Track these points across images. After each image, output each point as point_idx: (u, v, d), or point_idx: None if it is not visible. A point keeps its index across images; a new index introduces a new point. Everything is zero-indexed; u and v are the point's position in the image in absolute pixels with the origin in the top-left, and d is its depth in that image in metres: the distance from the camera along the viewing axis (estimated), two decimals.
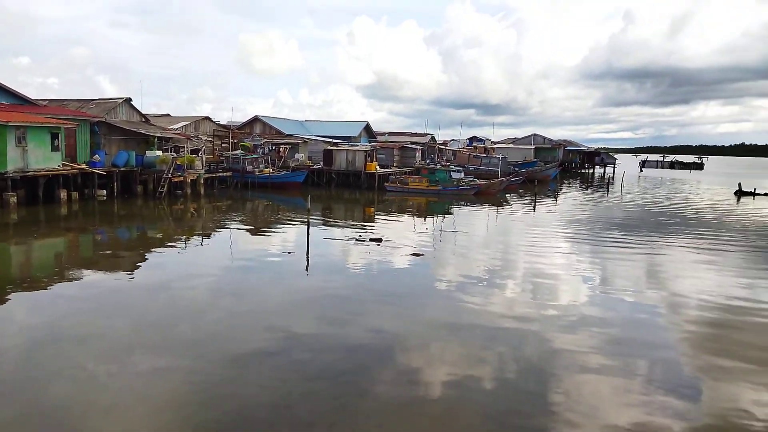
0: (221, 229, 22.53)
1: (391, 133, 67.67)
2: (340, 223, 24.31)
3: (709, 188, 52.24)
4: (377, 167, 41.84)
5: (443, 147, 66.81)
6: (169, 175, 30.66)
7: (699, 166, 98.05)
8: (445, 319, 11.06)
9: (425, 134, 64.44)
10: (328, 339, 9.76)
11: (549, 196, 40.18)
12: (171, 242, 19.39)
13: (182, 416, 6.97)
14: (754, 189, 42.86)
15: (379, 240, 19.02)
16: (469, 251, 18.39)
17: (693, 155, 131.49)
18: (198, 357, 8.76)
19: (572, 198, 40.38)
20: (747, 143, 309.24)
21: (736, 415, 7.37)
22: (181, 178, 31.54)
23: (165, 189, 30.11)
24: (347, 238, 19.56)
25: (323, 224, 23.58)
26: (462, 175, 39.47)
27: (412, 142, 55.40)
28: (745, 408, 7.58)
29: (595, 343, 9.89)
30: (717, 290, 13.83)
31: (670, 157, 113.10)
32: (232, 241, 19.96)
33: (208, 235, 20.96)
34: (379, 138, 61.39)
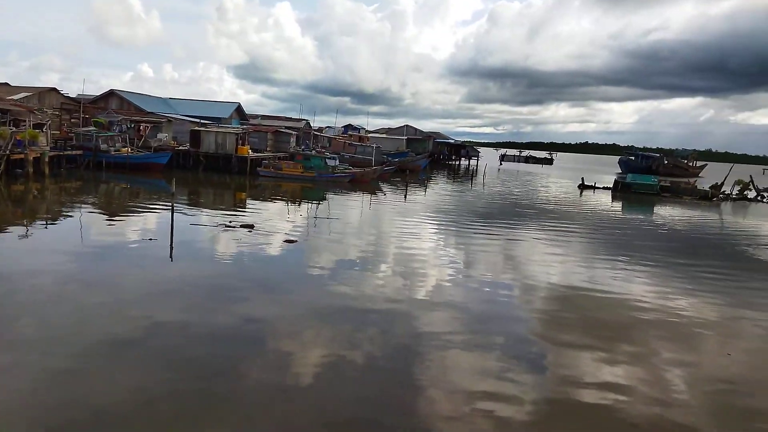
0: (70, 214, 20.25)
1: (264, 117, 65.73)
2: (209, 209, 23.12)
3: (557, 182, 58.03)
4: (249, 151, 40.41)
5: (318, 134, 66.43)
6: (7, 152, 26.90)
7: (549, 161, 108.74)
8: (318, 304, 11.04)
9: (300, 120, 63.57)
10: (193, 328, 9.25)
11: (419, 186, 41.87)
12: (9, 227, 17.02)
13: (30, 419, 6.18)
14: (594, 183, 48.43)
15: (251, 226, 18.42)
16: (343, 238, 18.54)
17: (545, 151, 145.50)
18: (45, 354, 7.82)
19: (440, 188, 42.51)
20: (590, 142, 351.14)
21: (575, 381, 8.30)
22: (22, 156, 27.82)
23: (2, 167, 26.36)
24: (216, 224, 18.67)
25: (190, 209, 22.25)
26: (337, 162, 39.60)
27: (287, 127, 54.35)
28: (582, 375, 8.57)
29: (458, 323, 10.55)
30: (562, 273, 15.42)
31: (526, 153, 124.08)
32: (83, 226, 18.04)
33: (55, 220, 18.73)
34: (252, 121, 59.36)
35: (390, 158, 53.76)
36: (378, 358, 8.66)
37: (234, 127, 46.80)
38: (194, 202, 25.20)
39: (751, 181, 48.71)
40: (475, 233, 21.27)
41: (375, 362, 8.50)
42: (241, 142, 39.89)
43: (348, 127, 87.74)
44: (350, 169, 40.15)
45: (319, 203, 27.69)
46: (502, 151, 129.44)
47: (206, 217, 20.52)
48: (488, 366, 8.63)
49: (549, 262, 16.80)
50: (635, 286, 14.46)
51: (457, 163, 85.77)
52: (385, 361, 8.58)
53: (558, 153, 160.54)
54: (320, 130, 73.84)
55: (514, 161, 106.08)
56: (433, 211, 27.22)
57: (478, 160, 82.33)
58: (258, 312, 10.32)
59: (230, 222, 19.17)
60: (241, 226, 18.42)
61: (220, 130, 41.56)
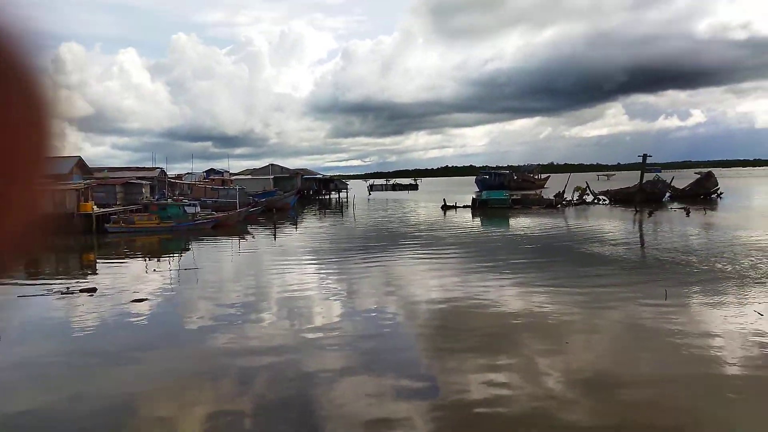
0: None
1: (112, 169, 60.60)
2: (47, 276, 20.17)
3: (423, 205, 60.47)
4: (94, 207, 36.61)
5: (176, 181, 62.69)
6: None
7: (414, 187, 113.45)
8: (193, 366, 9.84)
9: (154, 168, 59.49)
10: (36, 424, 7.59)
11: (290, 223, 40.94)
12: None
13: None
14: (456, 203, 51.12)
15: (93, 290, 16.25)
16: (214, 287, 17.15)
17: (410, 178, 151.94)
18: None
19: (312, 223, 41.97)
20: (450, 165, 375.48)
21: (463, 390, 8.20)
22: None
23: None
24: (50, 292, 16.22)
25: (21, 280, 19.21)
26: (198, 208, 37.36)
27: (138, 177, 50.48)
28: (469, 383, 8.46)
29: (348, 354, 10.10)
30: (440, 289, 15.63)
31: (392, 181, 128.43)
32: None
33: None
34: (98, 175, 54.26)
35: (256, 199, 52.18)
36: (270, 406, 7.86)
37: (75, 183, 42.22)
38: (30, 273, 21.90)
39: (587, 186, 54.76)
40: (353, 263, 20.97)
41: (268, 411, 7.75)
42: (83, 198, 36.02)
43: (210, 172, 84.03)
44: (213, 214, 38.09)
45: (181, 254, 25.64)
46: (371, 181, 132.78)
47: (40, 286, 17.81)
48: (383, 391, 8.44)
49: (426, 281, 17.01)
50: (505, 291, 15.17)
51: (327, 197, 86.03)
52: (278, 407, 7.91)
53: (422, 178, 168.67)
54: (180, 177, 69.77)
55: (382, 190, 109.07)
56: (308, 248, 26.52)
57: (347, 192, 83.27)
58: (115, 389, 8.83)
59: (68, 288, 16.78)
60: (81, 291, 16.19)
61: (57, 188, 37.20)
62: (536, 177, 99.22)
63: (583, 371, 9.21)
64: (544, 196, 52.48)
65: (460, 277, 17.59)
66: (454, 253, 23.34)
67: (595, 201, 52.28)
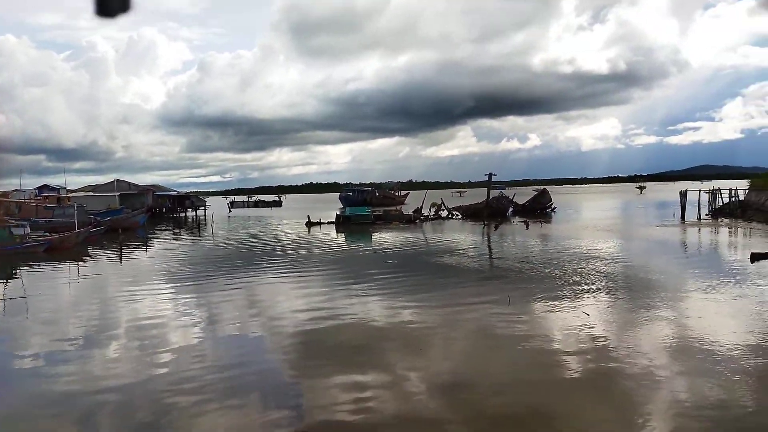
0: None
1: None
2: None
3: (288, 222, 59.74)
4: None
5: (1, 199, 54.68)
6: None
7: (278, 204, 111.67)
8: (27, 410, 8.64)
9: None
10: None
11: (140, 244, 37.87)
12: None
13: None
14: (320, 219, 51.34)
15: None
16: (49, 319, 15.21)
17: (273, 194, 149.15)
18: None
19: (165, 243, 39.22)
20: (314, 182, 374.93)
21: (330, 406, 8.23)
22: None
23: None
24: None
25: None
26: (28, 230, 32.98)
27: None
28: (335, 399, 8.52)
29: (209, 383, 9.53)
30: (306, 307, 15.55)
31: (255, 197, 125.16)
32: None
33: None
34: None
35: (99, 218, 47.46)
36: None
37: None
38: None
39: (442, 202, 58.40)
40: (213, 285, 19.96)
41: None
42: None
43: (43, 188, 74.66)
44: (46, 235, 33.89)
45: (6, 282, 22.41)
46: (231, 198, 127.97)
47: None
48: (247, 421, 8.10)
49: (292, 300, 16.82)
50: (369, 305, 15.60)
51: (183, 214, 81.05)
52: None
53: (287, 195, 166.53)
54: (6, 195, 60.97)
55: (243, 207, 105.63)
56: (160, 271, 24.71)
57: (205, 209, 79.25)
58: None
59: None
60: None
61: None
62: (397, 194, 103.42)
63: (441, 375, 9.84)
64: (404, 212, 55.00)
65: (326, 294, 17.69)
66: (319, 270, 23.41)
67: (450, 216, 55.90)
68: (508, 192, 63.45)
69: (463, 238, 36.11)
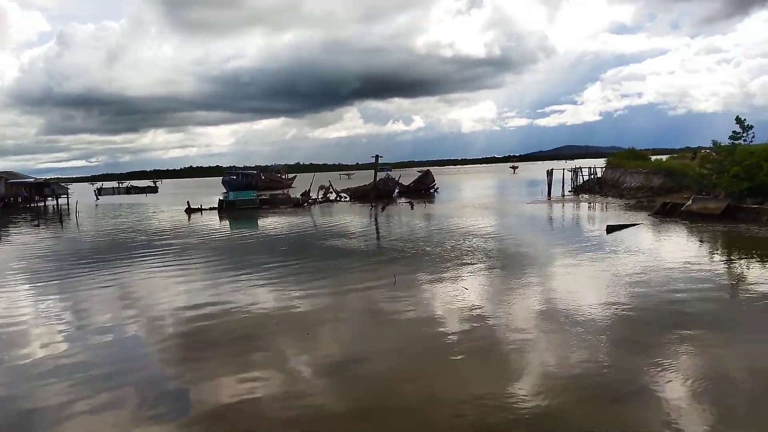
0: None
1: None
2: None
3: (166, 209, 56.15)
4: None
5: None
6: None
7: (154, 190, 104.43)
8: None
9: None
10: None
11: None
12: None
13: None
14: (201, 205, 48.88)
15: None
16: None
17: (149, 179, 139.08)
18: None
19: (22, 237, 35.03)
20: (195, 166, 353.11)
21: (217, 395, 7.91)
22: None
23: None
24: None
25: None
26: None
27: None
28: (221, 387, 8.23)
29: (80, 385, 8.74)
30: (189, 298, 14.77)
31: (127, 183, 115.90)
32: None
33: None
34: None
35: None
36: None
37: None
38: None
39: (330, 185, 58.36)
40: (80, 281, 18.19)
41: None
42: None
43: None
44: None
45: None
46: (98, 184, 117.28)
47: None
48: (123, 421, 7.59)
49: (173, 293, 15.86)
50: (258, 293, 15.27)
51: (43, 204, 72.91)
52: None
53: (164, 180, 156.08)
54: None
55: (114, 194, 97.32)
56: (15, 268, 22.03)
57: (68, 197, 71.89)
58: None
59: None
60: None
61: None
62: (283, 177, 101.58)
63: (330, 357, 9.92)
64: (292, 196, 54.15)
65: (210, 285, 16.93)
66: (202, 260, 22.34)
67: (338, 198, 56.09)
68: (394, 174, 65.05)
69: (351, 220, 36.44)
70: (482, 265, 18.12)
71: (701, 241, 21.76)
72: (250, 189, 66.02)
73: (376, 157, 52.54)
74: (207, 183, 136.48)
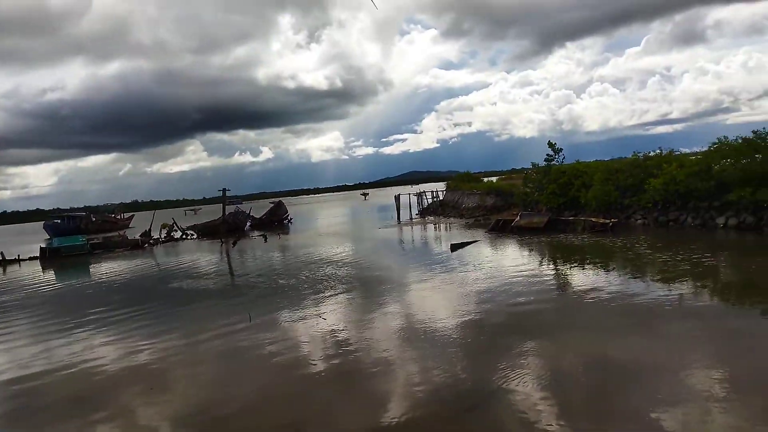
0: None
1: None
2: None
3: None
4: None
5: None
6: None
7: None
8: None
9: None
10: None
11: None
12: None
13: None
14: (18, 255, 42.52)
15: None
16: None
17: None
18: None
19: None
20: (9, 211, 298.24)
21: None
22: None
23: None
24: None
25: None
26: None
27: None
28: None
29: None
30: (9, 365, 12.57)
31: None
32: None
33: None
34: None
35: None
36: None
37: None
38: None
39: (174, 222, 54.64)
40: None
41: None
42: None
43: None
44: None
45: None
46: None
47: None
48: None
49: None
50: (96, 350, 13.59)
51: None
52: None
53: None
54: None
55: None
56: None
57: None
58: None
59: None
60: None
61: None
62: (119, 217, 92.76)
63: (186, 407, 9.13)
64: (129, 237, 49.51)
65: (36, 346, 14.70)
66: (24, 318, 19.29)
67: (184, 237, 52.69)
68: (245, 206, 63.13)
69: (200, 259, 34.38)
70: (340, 292, 18.22)
71: (531, 252, 24.34)
72: (79, 233, 59.09)
73: (223, 190, 50.60)
74: (25, 230, 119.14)
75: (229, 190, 51.77)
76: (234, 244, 40.22)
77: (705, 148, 28.23)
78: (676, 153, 30.73)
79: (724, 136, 26.76)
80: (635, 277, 16.84)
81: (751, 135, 25.30)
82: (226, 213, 52.60)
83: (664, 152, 30.68)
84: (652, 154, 31.09)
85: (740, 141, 25.78)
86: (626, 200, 30.38)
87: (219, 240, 44.22)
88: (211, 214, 68.15)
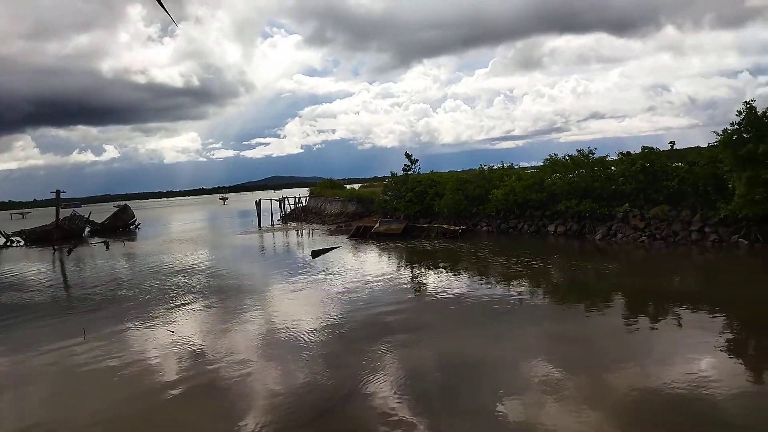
0: None
1: None
2: None
3: None
4: None
5: None
6: None
7: None
8: None
9: None
10: None
11: None
12: None
13: None
14: None
15: None
16: None
17: None
18: None
19: None
20: None
21: None
22: None
23: None
24: None
25: None
26: None
27: None
28: None
29: None
30: None
31: None
32: None
33: None
34: None
35: None
36: None
37: None
38: None
39: None
40: None
41: None
42: None
43: None
44: None
45: None
46: None
47: None
48: None
49: None
50: None
51: None
52: None
53: None
54: None
55: None
56: None
57: None
58: None
59: None
60: None
61: None
62: None
63: None
64: None
65: None
66: None
67: (9, 243, 46.04)
68: (84, 210, 57.06)
69: (28, 269, 30.26)
70: (193, 302, 17.26)
71: (389, 257, 25.27)
72: None
73: (57, 192, 45.26)
74: None
75: (64, 191, 46.60)
76: (69, 252, 36.05)
77: (541, 163, 31.88)
78: (516, 167, 34.25)
79: (555, 153, 30.66)
80: (480, 279, 18.33)
81: (576, 153, 29.04)
82: (61, 217, 47.06)
83: (506, 166, 34.18)
84: (496, 167, 34.39)
85: (567, 158, 29.46)
86: (474, 209, 32.98)
87: (51, 247, 39.33)
88: (43, 217, 60.49)
